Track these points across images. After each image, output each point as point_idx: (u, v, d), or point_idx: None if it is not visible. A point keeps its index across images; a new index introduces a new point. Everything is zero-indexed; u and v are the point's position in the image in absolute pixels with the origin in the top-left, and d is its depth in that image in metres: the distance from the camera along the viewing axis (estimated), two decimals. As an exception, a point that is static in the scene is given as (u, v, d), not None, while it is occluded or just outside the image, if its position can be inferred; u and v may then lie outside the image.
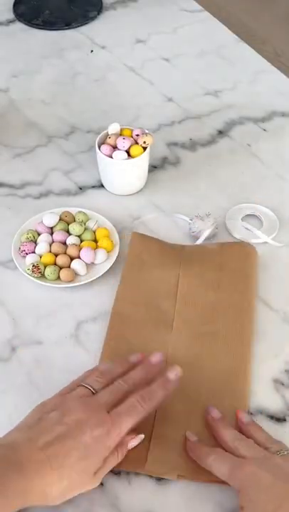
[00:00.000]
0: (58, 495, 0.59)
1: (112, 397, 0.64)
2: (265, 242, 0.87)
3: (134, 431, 0.64)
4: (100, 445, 0.60)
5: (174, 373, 0.66)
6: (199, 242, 0.85)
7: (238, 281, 0.80)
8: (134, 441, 0.64)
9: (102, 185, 0.94)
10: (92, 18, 1.25)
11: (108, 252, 0.84)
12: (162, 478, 0.65)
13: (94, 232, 0.86)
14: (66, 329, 0.78)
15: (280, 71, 1.15)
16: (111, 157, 0.88)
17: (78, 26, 1.24)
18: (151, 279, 0.80)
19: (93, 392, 0.65)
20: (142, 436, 0.65)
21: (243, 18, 1.97)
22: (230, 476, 0.61)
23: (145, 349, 0.72)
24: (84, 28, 1.24)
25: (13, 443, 0.59)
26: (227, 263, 0.82)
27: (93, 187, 0.95)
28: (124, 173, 0.91)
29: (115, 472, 0.65)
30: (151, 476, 0.65)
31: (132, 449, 0.64)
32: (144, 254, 0.83)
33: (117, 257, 0.84)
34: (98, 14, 1.26)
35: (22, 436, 0.60)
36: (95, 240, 0.85)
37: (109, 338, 0.75)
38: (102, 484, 0.64)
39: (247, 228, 0.87)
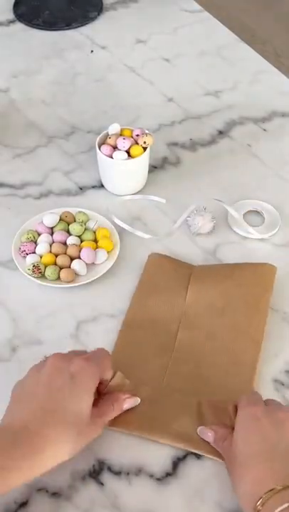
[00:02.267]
0: (54, 452, 0.60)
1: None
2: (264, 240, 0.87)
3: (130, 393, 0.69)
4: (82, 377, 0.63)
5: (128, 404, 0.69)
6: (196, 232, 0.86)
7: (248, 305, 0.78)
8: (130, 401, 0.68)
9: (102, 186, 0.94)
10: (93, 19, 1.25)
11: (108, 252, 0.84)
12: (162, 478, 0.65)
13: (94, 232, 0.86)
14: (66, 329, 0.78)
15: (280, 71, 1.15)
16: (111, 157, 0.89)
17: (78, 26, 1.24)
18: (160, 302, 0.79)
19: None
20: (138, 399, 0.68)
21: (243, 19, 1.97)
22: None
23: (145, 372, 0.73)
24: (84, 29, 1.24)
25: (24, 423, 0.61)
26: (237, 286, 0.80)
27: (93, 187, 0.95)
28: (124, 173, 0.91)
29: (115, 472, 0.65)
30: (151, 476, 0.65)
31: (129, 412, 0.68)
32: (156, 277, 0.82)
33: (118, 257, 0.84)
34: (98, 14, 1.26)
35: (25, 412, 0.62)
36: (95, 240, 0.85)
37: (118, 344, 0.75)
38: (102, 484, 0.65)
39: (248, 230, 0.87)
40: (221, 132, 1.03)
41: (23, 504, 0.63)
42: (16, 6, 1.27)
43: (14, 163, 0.98)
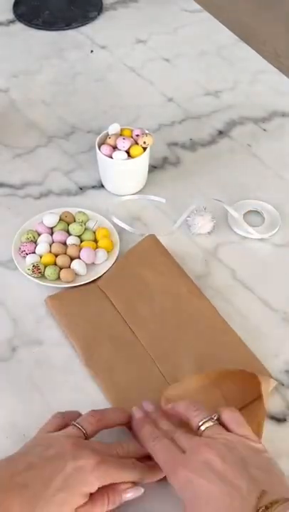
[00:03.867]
0: None
1: (104, 449, 0.61)
2: (264, 240, 0.87)
3: (133, 483, 0.61)
4: (81, 477, 0.57)
5: (131, 494, 0.61)
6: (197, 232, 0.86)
7: (158, 268, 0.81)
8: (131, 493, 0.61)
9: (102, 186, 0.94)
10: (93, 19, 1.25)
11: (108, 252, 0.84)
12: (163, 478, 0.65)
13: (94, 232, 0.86)
14: (66, 329, 0.78)
15: (280, 71, 1.15)
16: (111, 157, 0.88)
17: (78, 26, 1.24)
18: (92, 314, 0.78)
19: (85, 436, 0.62)
20: (142, 489, 0.61)
21: (243, 19, 1.97)
22: (169, 477, 0.59)
23: (143, 384, 0.72)
24: (84, 28, 1.24)
25: None
26: (137, 260, 0.82)
27: (93, 187, 0.95)
28: (124, 173, 0.91)
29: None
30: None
31: None
32: (72, 309, 0.79)
33: (117, 257, 0.84)
34: (98, 14, 1.26)
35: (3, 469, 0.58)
36: (95, 240, 0.85)
37: (104, 386, 0.72)
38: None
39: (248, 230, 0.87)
40: (220, 132, 1.03)
41: None
42: (15, 6, 1.27)
43: (14, 163, 0.98)
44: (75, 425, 0.63)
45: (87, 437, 0.62)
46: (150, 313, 0.77)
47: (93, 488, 0.58)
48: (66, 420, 0.64)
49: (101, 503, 0.59)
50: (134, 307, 0.78)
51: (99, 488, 0.58)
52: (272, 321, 0.79)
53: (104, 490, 0.59)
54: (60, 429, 0.63)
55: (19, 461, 0.58)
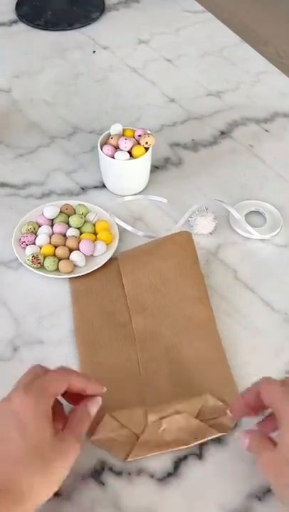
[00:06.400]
0: (28, 481, 0.56)
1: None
2: (266, 240, 0.87)
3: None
4: (25, 415, 0.58)
5: (94, 407, 0.65)
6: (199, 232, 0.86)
7: (182, 274, 0.80)
8: (93, 402, 0.64)
9: (104, 186, 0.94)
10: (95, 19, 1.25)
11: (107, 244, 0.85)
12: (164, 478, 0.65)
13: (93, 225, 0.87)
14: (67, 327, 0.78)
15: (282, 72, 1.15)
16: (113, 157, 0.89)
17: (80, 27, 1.24)
18: (101, 300, 0.80)
19: None
20: (99, 398, 0.65)
21: (245, 19, 1.97)
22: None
23: (120, 368, 0.73)
24: (86, 29, 1.24)
25: None
26: (164, 260, 0.81)
27: (95, 187, 0.95)
28: (126, 173, 0.91)
29: (116, 472, 0.65)
30: (152, 476, 0.65)
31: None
32: (89, 281, 0.81)
33: (116, 249, 0.84)
34: (100, 15, 1.26)
35: None
36: (95, 233, 0.86)
37: (83, 366, 0.73)
38: (103, 484, 0.64)
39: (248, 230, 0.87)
40: (222, 133, 1.03)
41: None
42: (18, 6, 1.28)
43: (16, 163, 0.98)
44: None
45: None
46: (153, 305, 0.78)
47: (45, 414, 0.59)
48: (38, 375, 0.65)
49: (76, 421, 0.62)
50: (140, 294, 0.79)
51: (70, 412, 0.63)
52: (274, 321, 0.79)
53: (75, 411, 0.63)
54: None
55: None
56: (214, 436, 0.66)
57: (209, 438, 0.66)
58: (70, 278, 0.82)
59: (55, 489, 0.59)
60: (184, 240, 0.84)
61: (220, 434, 0.67)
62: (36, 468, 0.57)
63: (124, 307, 0.79)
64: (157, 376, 0.72)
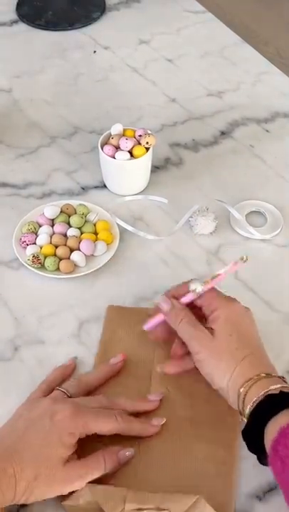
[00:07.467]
0: (24, 489, 0.57)
1: (85, 402, 0.64)
2: (266, 240, 0.87)
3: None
4: (58, 429, 0.60)
5: (157, 421, 0.65)
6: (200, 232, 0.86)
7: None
8: (125, 452, 0.62)
9: (104, 186, 0.94)
10: (95, 19, 1.25)
11: (108, 244, 0.85)
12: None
13: (94, 225, 0.87)
14: (67, 327, 0.78)
15: (282, 72, 1.15)
16: (114, 158, 0.89)
17: (81, 27, 1.24)
18: (127, 357, 0.73)
19: (68, 397, 0.65)
20: (132, 450, 0.63)
21: (245, 20, 1.97)
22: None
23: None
24: (87, 29, 1.24)
25: None
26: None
27: (96, 187, 0.95)
28: (126, 173, 0.91)
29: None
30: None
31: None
32: (120, 331, 0.76)
33: (117, 249, 0.84)
34: (101, 15, 1.26)
35: None
36: (95, 233, 0.86)
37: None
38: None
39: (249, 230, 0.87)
40: (223, 133, 1.03)
41: (24, 504, 0.63)
42: (19, 6, 1.28)
43: (17, 163, 0.98)
44: (58, 389, 0.66)
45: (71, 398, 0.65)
46: (176, 392, 0.71)
47: (73, 438, 0.60)
48: (52, 387, 0.68)
49: (96, 463, 0.61)
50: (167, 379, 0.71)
51: (94, 451, 0.61)
52: (275, 321, 0.79)
53: (100, 452, 0.61)
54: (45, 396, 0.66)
55: (6, 425, 0.63)
56: None
57: None
58: (108, 306, 0.79)
59: (48, 497, 0.59)
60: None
61: None
62: (40, 464, 0.58)
63: (146, 376, 0.72)
64: (157, 451, 0.66)
